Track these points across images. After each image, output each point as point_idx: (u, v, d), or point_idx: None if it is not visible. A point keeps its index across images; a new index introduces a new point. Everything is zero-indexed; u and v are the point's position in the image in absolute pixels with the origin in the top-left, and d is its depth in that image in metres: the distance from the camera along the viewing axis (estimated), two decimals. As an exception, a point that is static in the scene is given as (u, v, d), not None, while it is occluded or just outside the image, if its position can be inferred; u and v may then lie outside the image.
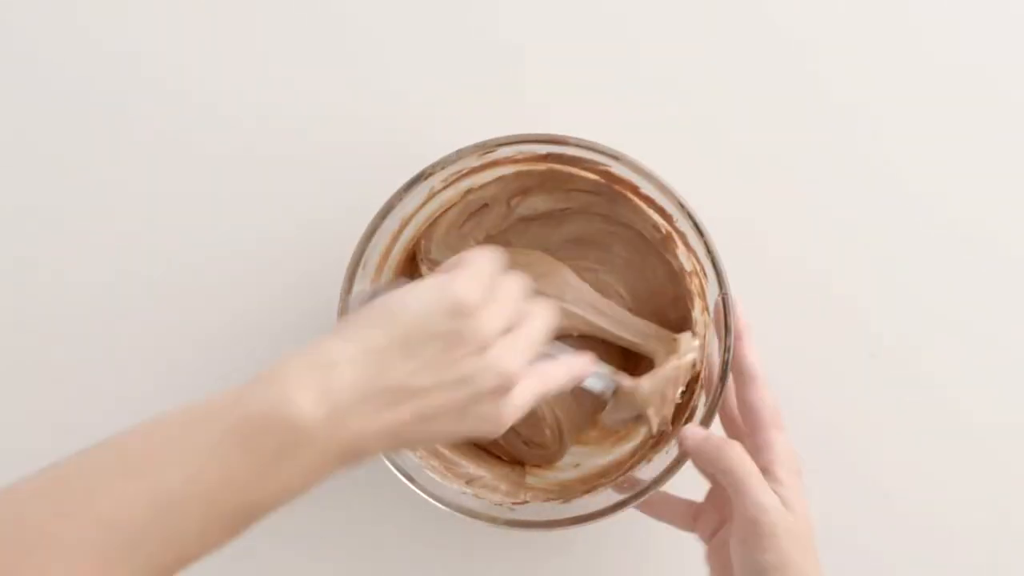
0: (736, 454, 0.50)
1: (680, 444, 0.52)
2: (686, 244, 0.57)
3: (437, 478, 0.56)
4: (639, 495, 0.53)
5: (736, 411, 0.55)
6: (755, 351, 0.54)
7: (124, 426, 0.63)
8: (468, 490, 0.57)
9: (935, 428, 0.64)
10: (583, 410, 0.62)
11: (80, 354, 0.64)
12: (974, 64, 0.65)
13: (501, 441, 0.62)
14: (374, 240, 0.55)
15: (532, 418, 0.60)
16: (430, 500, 0.54)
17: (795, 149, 0.65)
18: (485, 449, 0.63)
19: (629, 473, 0.57)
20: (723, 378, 0.54)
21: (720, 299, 0.54)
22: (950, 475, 0.64)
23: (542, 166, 0.58)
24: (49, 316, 0.64)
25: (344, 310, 0.54)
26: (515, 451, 0.62)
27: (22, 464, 0.65)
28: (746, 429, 0.53)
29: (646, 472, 0.56)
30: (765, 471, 0.50)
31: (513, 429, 0.61)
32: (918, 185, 0.65)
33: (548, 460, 0.62)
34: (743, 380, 0.54)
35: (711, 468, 0.51)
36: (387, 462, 0.54)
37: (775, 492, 0.49)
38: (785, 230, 0.64)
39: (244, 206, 0.64)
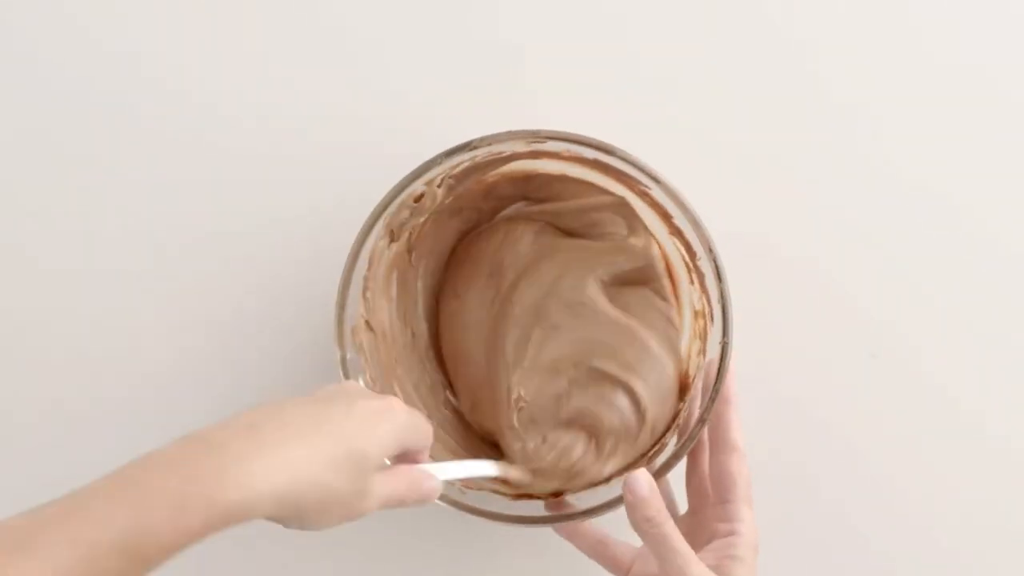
0: (671, 528, 0.48)
1: (624, 487, 0.50)
2: (702, 284, 0.56)
3: None
4: (558, 518, 0.54)
5: (707, 475, 0.54)
6: (740, 422, 0.54)
7: (122, 418, 0.63)
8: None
9: (935, 428, 0.64)
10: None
11: (81, 349, 0.64)
12: (974, 64, 0.65)
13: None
14: (400, 197, 0.55)
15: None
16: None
17: (795, 149, 0.65)
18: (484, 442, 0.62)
19: (563, 495, 0.57)
20: (702, 421, 0.53)
21: (720, 346, 0.54)
22: (950, 475, 0.64)
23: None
24: (50, 312, 0.64)
25: (342, 303, 0.55)
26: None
27: (23, 453, 0.65)
28: (716, 497, 0.52)
29: (591, 497, 0.55)
30: (729, 545, 0.50)
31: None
32: (918, 185, 0.65)
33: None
34: (724, 449, 0.53)
35: (642, 527, 0.49)
36: None
37: (734, 571, 0.48)
38: (785, 230, 0.64)
39: (243, 206, 0.64)
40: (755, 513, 0.52)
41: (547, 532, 0.56)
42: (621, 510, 0.51)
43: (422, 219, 0.59)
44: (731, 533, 0.50)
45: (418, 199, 0.57)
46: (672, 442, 0.56)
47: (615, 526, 0.55)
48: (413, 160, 0.55)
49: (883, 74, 0.65)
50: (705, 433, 0.55)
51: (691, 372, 0.59)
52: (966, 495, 0.64)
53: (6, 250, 0.65)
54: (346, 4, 0.65)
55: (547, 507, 0.55)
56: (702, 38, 0.65)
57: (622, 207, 0.59)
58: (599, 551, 0.55)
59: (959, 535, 0.64)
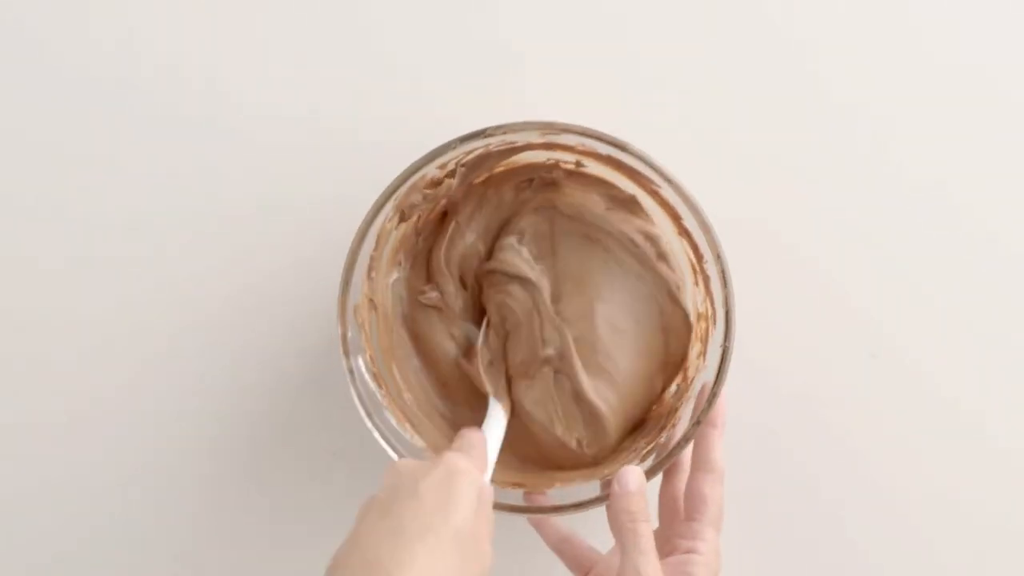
0: (646, 528, 0.49)
1: (615, 479, 0.51)
2: (707, 288, 0.56)
3: (394, 424, 0.56)
4: (529, 510, 0.54)
5: (680, 495, 0.55)
6: (722, 447, 0.54)
7: (121, 418, 0.63)
8: (423, 443, 0.57)
9: (935, 428, 0.64)
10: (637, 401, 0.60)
11: (81, 349, 0.64)
12: (974, 64, 0.65)
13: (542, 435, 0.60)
14: (412, 179, 0.55)
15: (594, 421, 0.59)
16: (382, 443, 0.54)
17: (795, 149, 0.65)
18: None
19: (545, 489, 0.56)
20: (699, 423, 0.54)
21: (721, 350, 0.54)
22: (950, 475, 0.64)
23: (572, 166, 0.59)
24: (50, 312, 0.64)
25: (347, 279, 0.55)
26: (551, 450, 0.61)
27: (23, 454, 0.65)
28: (685, 514, 0.53)
29: (569, 494, 0.55)
30: (686, 561, 0.50)
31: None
32: (918, 185, 0.65)
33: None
34: (703, 467, 0.53)
35: (621, 518, 0.50)
36: (355, 399, 0.54)
37: None
38: (785, 230, 0.64)
39: (243, 207, 0.64)
40: (720, 541, 0.52)
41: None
42: (594, 513, 0.52)
43: (432, 205, 0.59)
44: (690, 551, 0.51)
45: (431, 185, 0.57)
46: (663, 438, 0.56)
47: (588, 531, 0.56)
48: (412, 160, 0.55)
49: (883, 74, 0.65)
50: (684, 456, 0.55)
51: (690, 375, 0.59)
52: (966, 495, 0.64)
53: (6, 250, 0.65)
54: (346, 4, 0.65)
55: (525, 498, 0.55)
56: (702, 38, 0.65)
57: (631, 204, 0.60)
58: (563, 547, 0.56)
59: (959, 535, 0.64)
